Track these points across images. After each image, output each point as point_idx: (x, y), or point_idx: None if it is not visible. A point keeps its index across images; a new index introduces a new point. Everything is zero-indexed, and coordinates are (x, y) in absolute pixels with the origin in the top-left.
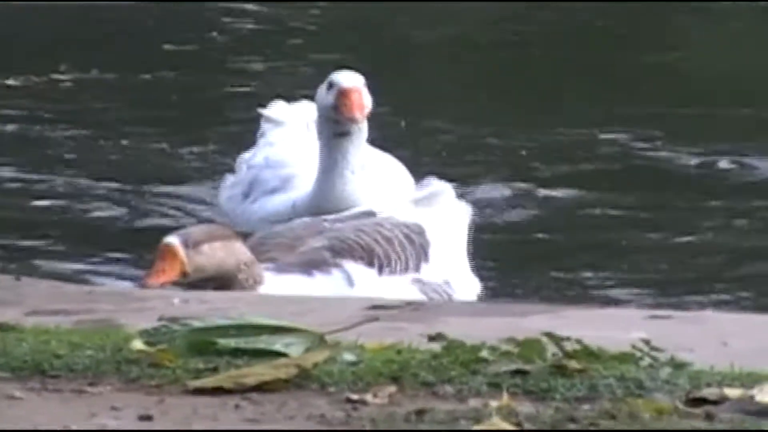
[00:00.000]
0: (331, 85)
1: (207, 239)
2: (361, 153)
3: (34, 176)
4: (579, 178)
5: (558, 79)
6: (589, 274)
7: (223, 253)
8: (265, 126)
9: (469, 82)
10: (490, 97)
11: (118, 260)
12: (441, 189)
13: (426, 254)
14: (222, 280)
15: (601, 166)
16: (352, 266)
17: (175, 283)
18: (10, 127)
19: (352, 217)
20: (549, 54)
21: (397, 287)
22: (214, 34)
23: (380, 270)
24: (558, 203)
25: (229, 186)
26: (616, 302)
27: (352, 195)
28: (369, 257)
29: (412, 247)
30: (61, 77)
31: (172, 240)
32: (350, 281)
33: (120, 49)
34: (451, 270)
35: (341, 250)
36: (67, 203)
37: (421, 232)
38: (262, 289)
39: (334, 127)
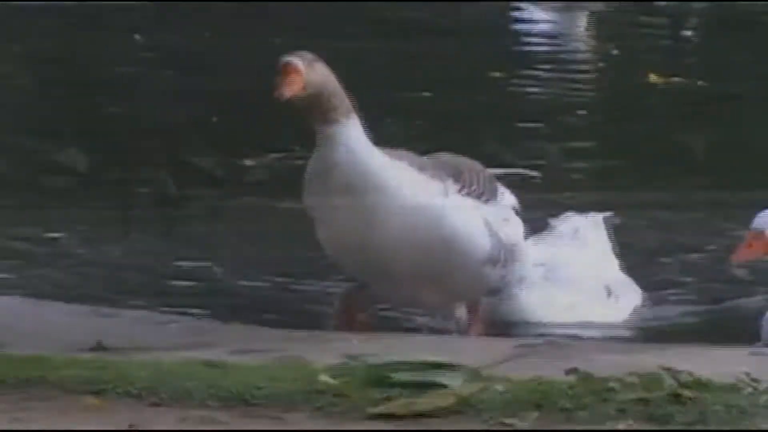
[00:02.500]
0: None
1: (317, 60)
2: None
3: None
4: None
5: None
6: (695, 316)
7: (327, 74)
8: None
9: None
10: None
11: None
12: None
13: (495, 192)
14: (320, 104)
15: None
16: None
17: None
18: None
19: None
20: None
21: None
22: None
23: (461, 188)
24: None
25: None
26: (720, 341)
27: None
28: (456, 177)
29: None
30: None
31: (294, 59)
32: (446, 192)
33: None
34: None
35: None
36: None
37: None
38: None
39: None
